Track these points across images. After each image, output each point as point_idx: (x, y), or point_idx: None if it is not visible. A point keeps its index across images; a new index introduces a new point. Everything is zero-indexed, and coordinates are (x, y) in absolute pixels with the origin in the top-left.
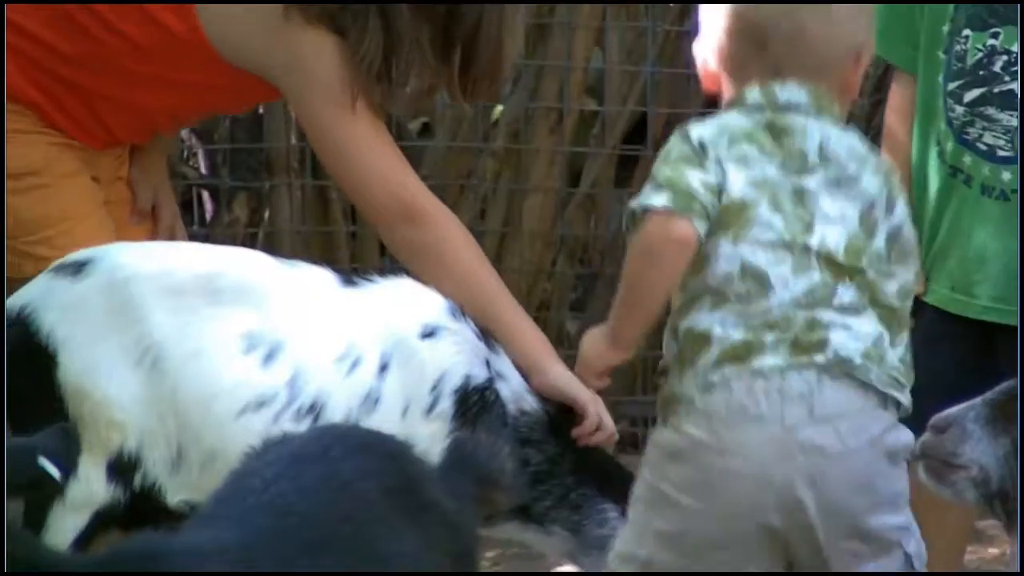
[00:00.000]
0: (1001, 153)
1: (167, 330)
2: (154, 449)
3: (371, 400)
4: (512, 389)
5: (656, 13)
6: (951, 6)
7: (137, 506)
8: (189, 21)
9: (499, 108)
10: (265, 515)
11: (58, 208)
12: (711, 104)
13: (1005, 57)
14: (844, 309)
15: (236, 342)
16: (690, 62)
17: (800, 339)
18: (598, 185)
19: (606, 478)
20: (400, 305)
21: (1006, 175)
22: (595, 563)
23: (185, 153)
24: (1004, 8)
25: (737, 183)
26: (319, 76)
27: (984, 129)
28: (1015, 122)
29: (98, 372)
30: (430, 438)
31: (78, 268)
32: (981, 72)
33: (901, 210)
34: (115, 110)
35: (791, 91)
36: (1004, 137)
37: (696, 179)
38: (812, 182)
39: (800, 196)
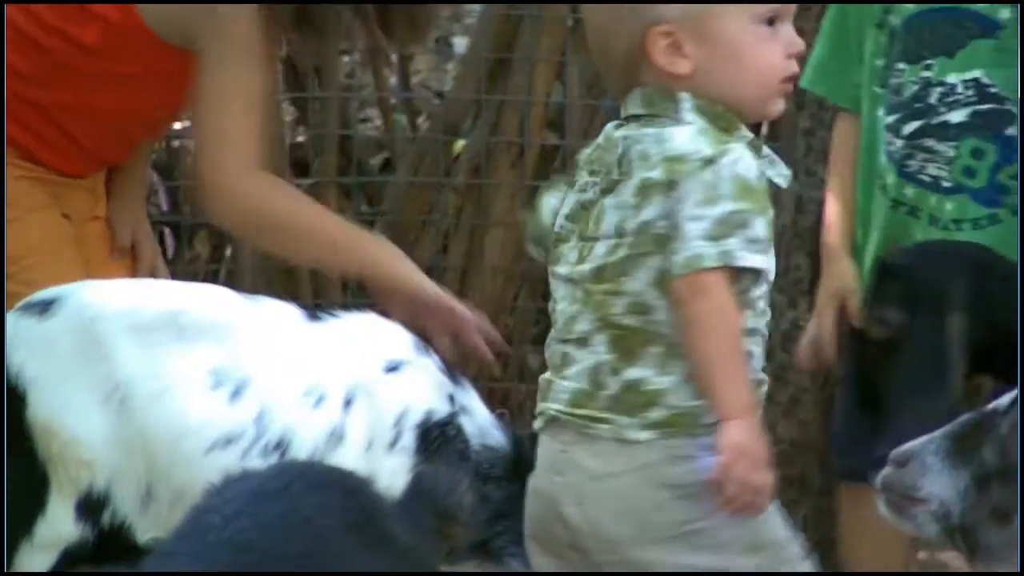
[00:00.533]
0: (944, 184)
1: (134, 368)
2: (123, 487)
3: (336, 436)
4: (476, 424)
5: None
6: (884, 39)
7: (106, 544)
8: (125, 8)
9: (460, 143)
10: (225, 551)
11: (23, 243)
12: None
13: (940, 88)
14: (576, 341)
15: (203, 379)
16: None
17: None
18: None
19: None
20: (364, 340)
21: (948, 206)
22: None
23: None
24: (937, 40)
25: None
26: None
27: (926, 161)
28: (953, 153)
29: (66, 411)
30: (393, 472)
31: (45, 307)
32: (917, 105)
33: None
34: (79, 120)
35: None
36: (946, 168)
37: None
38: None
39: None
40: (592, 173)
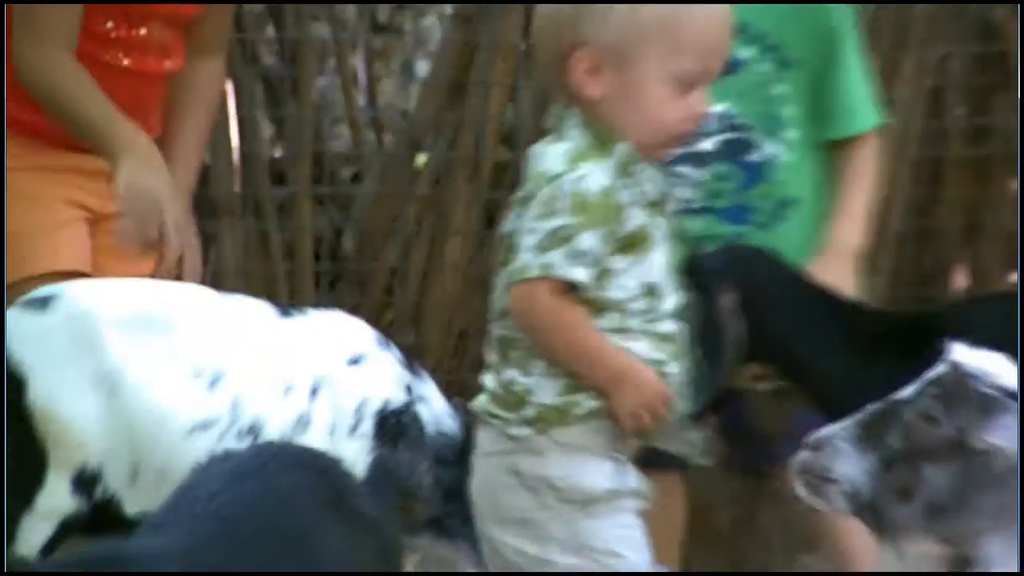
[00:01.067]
0: (692, 206)
1: (123, 359)
2: (113, 465)
3: (303, 422)
4: (432, 412)
5: None
6: None
7: (98, 516)
8: None
9: (422, 157)
10: (209, 523)
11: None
12: None
13: None
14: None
15: (183, 369)
16: None
17: None
18: None
19: None
20: (330, 335)
21: (696, 225)
22: None
23: None
24: None
25: None
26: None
27: (677, 185)
28: (701, 175)
29: (62, 397)
30: (354, 455)
31: (43, 303)
32: None
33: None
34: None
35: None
36: (695, 191)
37: None
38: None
39: None
40: None
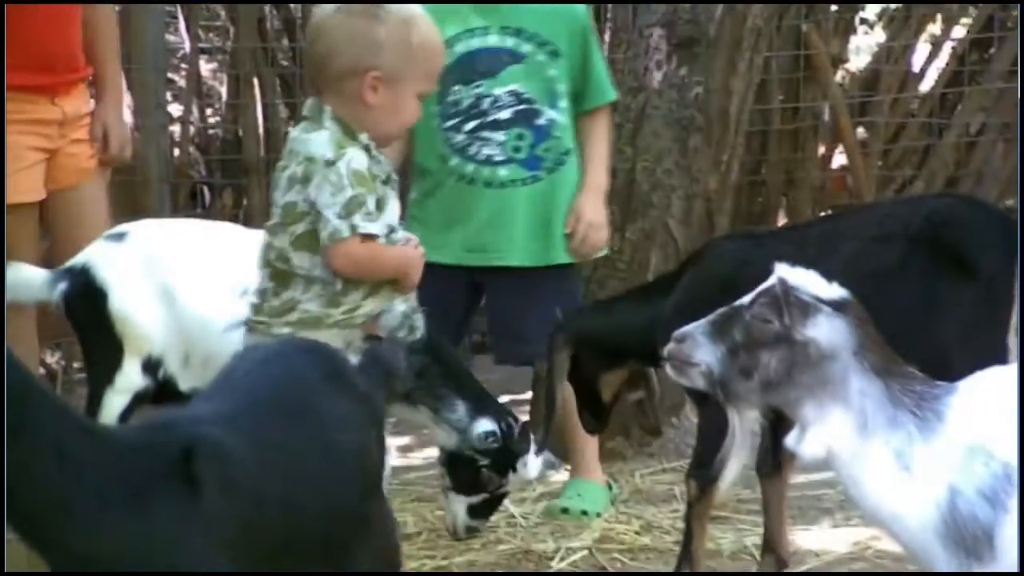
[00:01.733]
0: (497, 159)
1: (179, 277)
2: (170, 354)
3: None
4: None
5: None
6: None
7: (161, 391)
8: None
9: None
10: (243, 394)
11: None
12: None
13: (489, 99)
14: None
15: (220, 285)
16: None
17: None
18: None
19: (461, 383)
20: None
21: (502, 172)
22: (443, 433)
23: (191, 161)
24: (482, 68)
25: None
26: None
27: (482, 146)
28: (503, 138)
29: (135, 304)
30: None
31: (120, 237)
32: (474, 111)
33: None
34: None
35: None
36: (498, 148)
37: None
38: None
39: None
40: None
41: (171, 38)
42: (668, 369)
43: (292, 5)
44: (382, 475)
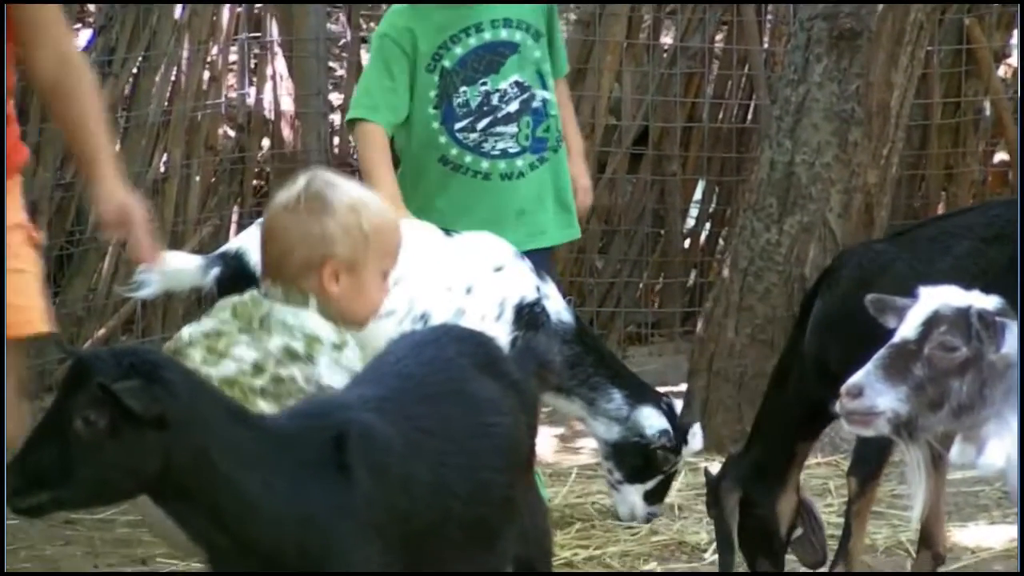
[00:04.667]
0: (512, 151)
1: None
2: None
3: (460, 312)
4: (555, 306)
5: (655, 60)
6: (436, 77)
7: None
8: None
9: None
10: (395, 379)
11: None
12: (691, 119)
13: (497, 94)
14: None
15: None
16: (676, 93)
17: None
18: (616, 172)
19: (615, 371)
20: (480, 250)
21: (519, 163)
22: (603, 426)
23: (351, 149)
24: (484, 65)
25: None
26: None
27: (496, 142)
28: (515, 130)
29: None
30: (499, 336)
31: None
32: (485, 108)
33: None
34: None
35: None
36: (511, 140)
37: None
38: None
39: None
40: (235, 316)
41: (332, 27)
42: (847, 426)
43: None
44: (532, 461)
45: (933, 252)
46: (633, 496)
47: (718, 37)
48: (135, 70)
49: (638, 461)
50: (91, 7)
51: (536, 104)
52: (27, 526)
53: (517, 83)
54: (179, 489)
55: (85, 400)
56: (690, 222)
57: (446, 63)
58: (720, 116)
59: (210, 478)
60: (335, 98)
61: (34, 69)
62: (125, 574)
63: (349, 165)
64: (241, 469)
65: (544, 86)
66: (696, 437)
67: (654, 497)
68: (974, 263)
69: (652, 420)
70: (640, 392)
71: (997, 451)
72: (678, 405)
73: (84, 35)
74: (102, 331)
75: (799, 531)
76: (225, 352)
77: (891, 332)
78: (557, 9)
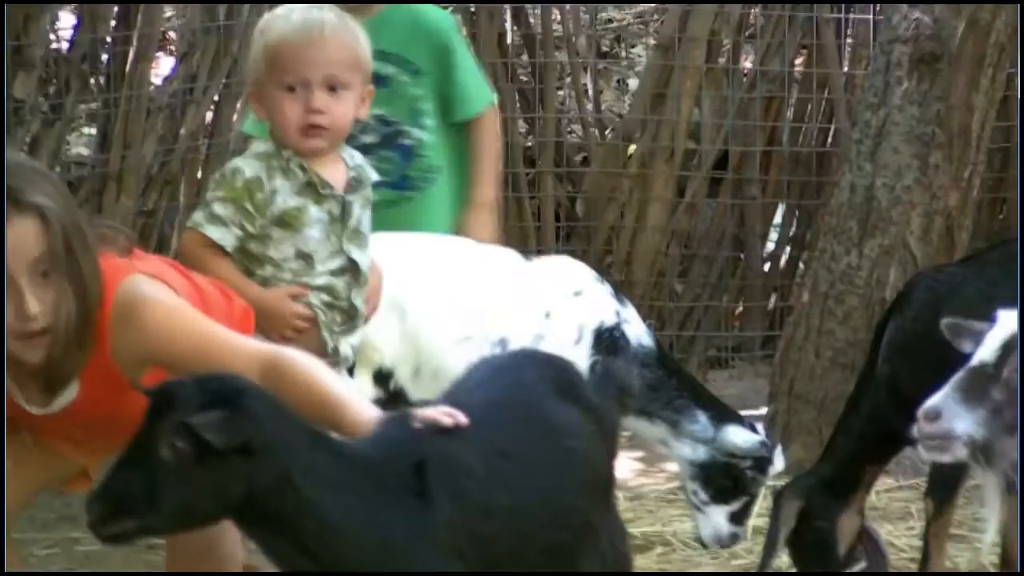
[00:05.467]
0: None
1: (412, 293)
2: (402, 366)
3: (539, 336)
4: (635, 330)
5: (735, 85)
6: None
7: (392, 402)
8: None
9: (632, 147)
10: (475, 405)
11: None
12: (771, 143)
13: (358, 124)
14: None
15: (452, 300)
16: (756, 117)
17: None
18: (696, 196)
19: (697, 393)
20: (559, 274)
21: (376, 197)
22: (688, 447)
23: None
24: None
25: None
26: None
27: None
28: (372, 161)
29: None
30: (577, 360)
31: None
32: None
33: None
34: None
35: None
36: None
37: None
38: None
39: None
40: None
41: None
42: (924, 454)
43: (532, 20)
44: (611, 486)
45: (1001, 275)
46: (718, 517)
47: (798, 61)
48: (216, 97)
49: (725, 481)
50: (172, 35)
51: (406, 142)
52: (109, 552)
53: (380, 118)
54: (262, 513)
55: (169, 429)
56: (770, 246)
57: None
58: (800, 140)
59: (293, 502)
60: None
61: None
62: None
63: None
64: (323, 492)
65: (419, 125)
66: (779, 458)
67: (738, 518)
68: None
69: (742, 435)
70: (724, 413)
71: None
72: (760, 428)
73: (166, 63)
74: None
75: (863, 564)
76: None
77: (962, 354)
78: (463, 45)
